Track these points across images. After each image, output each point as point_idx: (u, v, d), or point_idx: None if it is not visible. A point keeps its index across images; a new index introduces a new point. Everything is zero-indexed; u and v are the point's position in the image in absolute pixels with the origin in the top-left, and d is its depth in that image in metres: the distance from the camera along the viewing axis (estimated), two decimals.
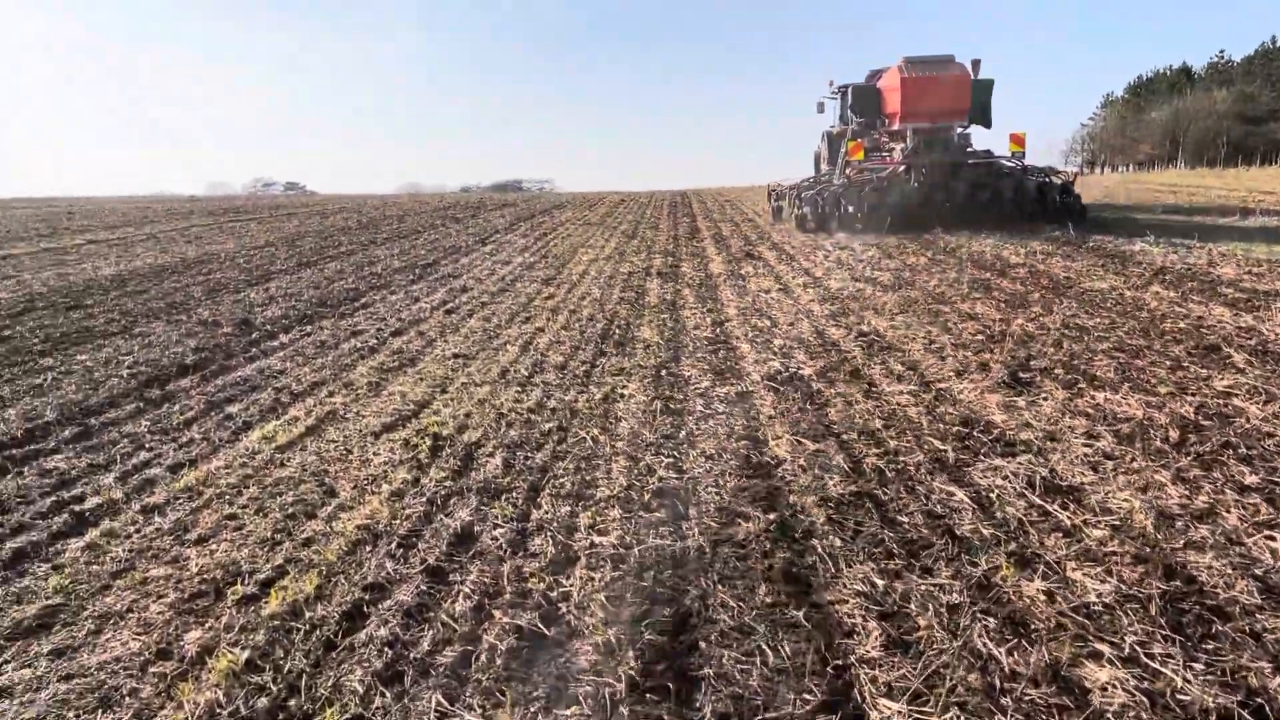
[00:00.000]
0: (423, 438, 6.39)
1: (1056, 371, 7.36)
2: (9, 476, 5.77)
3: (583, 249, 20.34)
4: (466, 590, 3.99)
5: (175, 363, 9.04)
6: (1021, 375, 7.27)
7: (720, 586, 3.97)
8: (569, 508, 4.96)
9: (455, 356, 9.30)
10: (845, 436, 6.03)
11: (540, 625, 3.66)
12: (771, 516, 4.69)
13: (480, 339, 10.19)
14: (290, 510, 5.12)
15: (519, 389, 7.78)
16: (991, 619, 3.57)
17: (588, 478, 5.46)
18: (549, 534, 4.59)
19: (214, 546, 4.65)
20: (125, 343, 10.33)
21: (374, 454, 6.15)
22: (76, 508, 5.15)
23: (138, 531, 4.84)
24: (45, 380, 8.42)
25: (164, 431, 6.80)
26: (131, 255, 20.66)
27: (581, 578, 4.08)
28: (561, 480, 5.41)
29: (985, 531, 4.39)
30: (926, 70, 21.40)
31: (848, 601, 3.77)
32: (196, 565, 4.41)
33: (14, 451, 6.24)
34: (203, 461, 6.06)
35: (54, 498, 5.36)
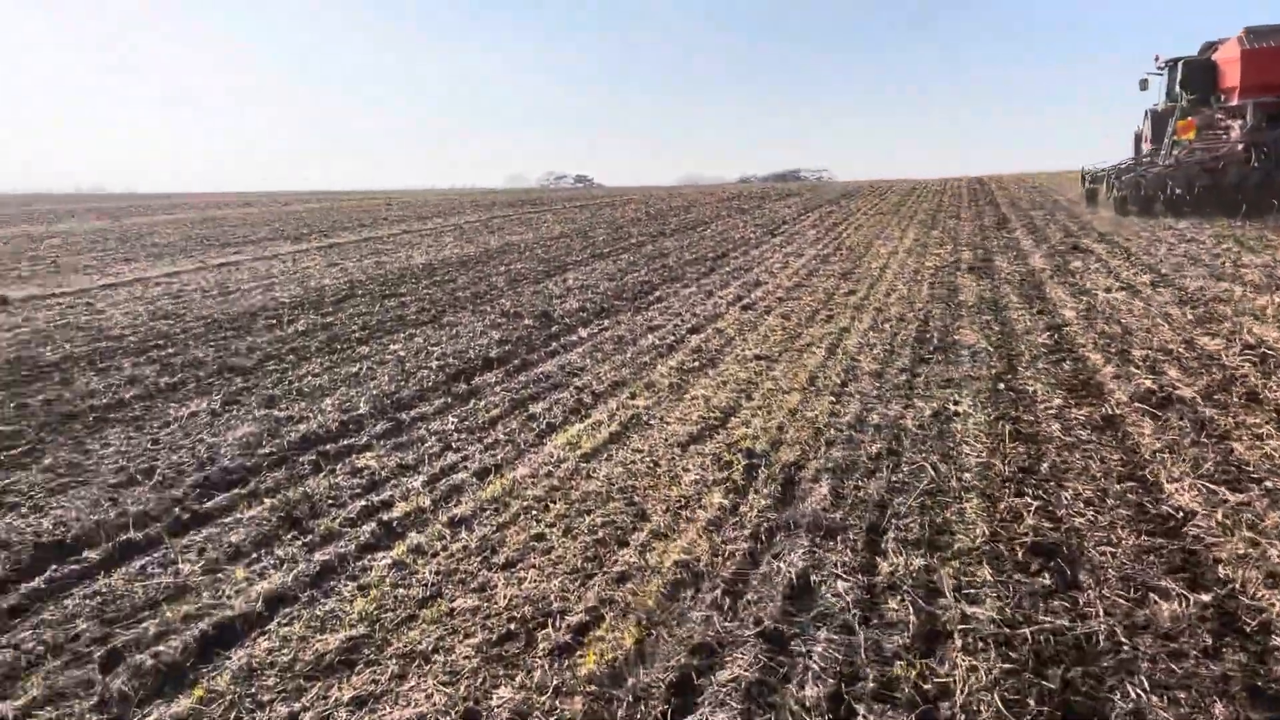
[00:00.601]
0: (735, 454, 5.75)
1: None
2: (322, 475, 5.71)
3: (879, 241, 19.11)
4: (815, 668, 3.25)
5: (480, 355, 9.01)
6: None
7: (1155, 698, 2.98)
8: (922, 559, 4.10)
9: (757, 358, 8.64)
10: (1271, 484, 4.74)
11: None
12: (1205, 598, 3.60)
13: (781, 339, 9.46)
14: (599, 534, 4.62)
15: (833, 399, 6.98)
16: None
17: (937, 520, 4.57)
18: (905, 595, 3.76)
19: (522, 573, 4.21)
20: (434, 332, 10.53)
21: (683, 470, 5.58)
22: (385, 516, 4.92)
23: (444, 549, 4.51)
24: (360, 370, 8.62)
25: (470, 431, 6.60)
26: (440, 245, 21.78)
27: (961, 665, 3.22)
28: (906, 521, 4.55)
29: None
30: (1272, 40, 19.34)
31: None
32: (504, 597, 3.97)
33: (329, 446, 6.22)
34: (507, 468, 5.74)
35: (363, 502, 5.19)
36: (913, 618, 3.57)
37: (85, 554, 4.48)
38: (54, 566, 4.30)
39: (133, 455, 6.15)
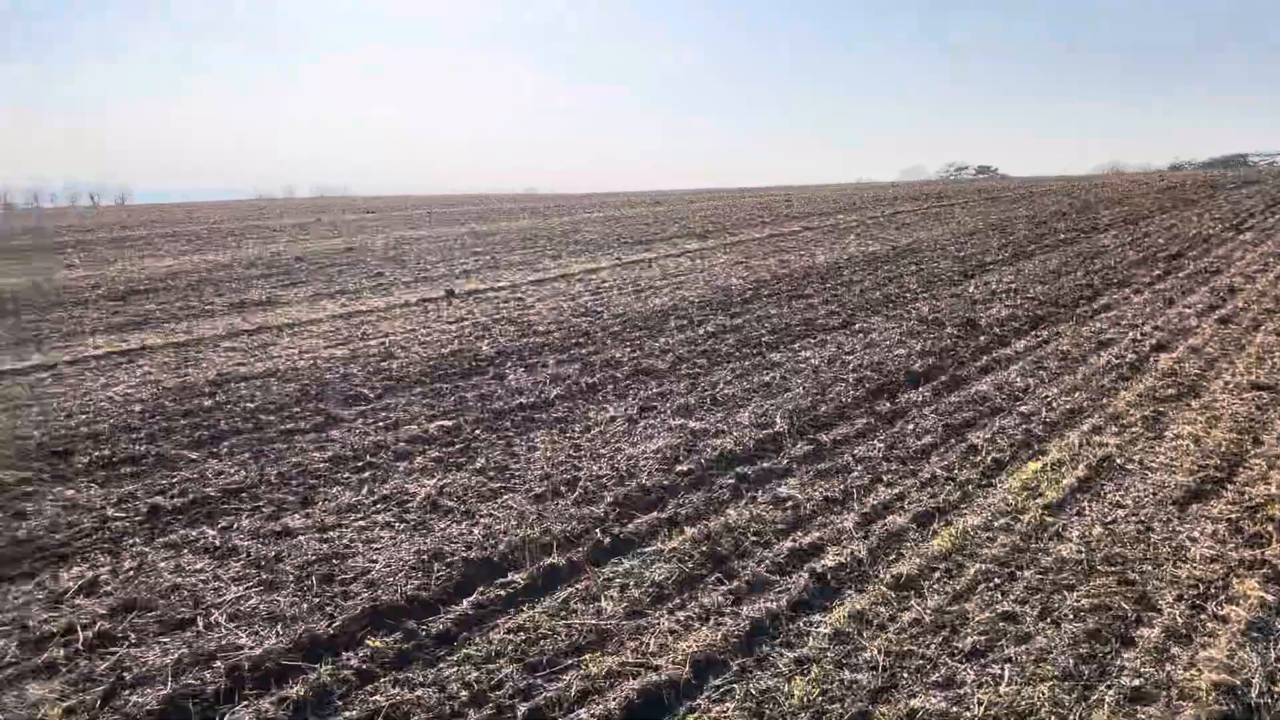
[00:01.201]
0: (1261, 522, 4.42)
1: None
2: (743, 502, 5.20)
3: None
4: None
5: (901, 368, 8.14)
6: None
7: None
8: None
9: (1256, 387, 6.96)
10: None
11: None
12: None
13: None
14: (1090, 623, 3.63)
15: None
16: None
17: None
18: None
19: (995, 669, 3.36)
20: (846, 339, 9.81)
21: (1188, 539, 4.38)
22: (816, 565, 4.28)
23: (892, 620, 3.76)
24: (772, 379, 8.12)
25: (901, 461, 5.80)
26: (844, 243, 21.01)
27: None
28: None
29: None
30: None
31: None
32: (979, 703, 3.15)
33: (747, 469, 5.72)
34: (953, 513, 4.88)
35: (790, 542, 4.59)
36: None
37: (511, 575, 4.31)
38: (481, 588, 4.16)
39: (556, 461, 6.07)
